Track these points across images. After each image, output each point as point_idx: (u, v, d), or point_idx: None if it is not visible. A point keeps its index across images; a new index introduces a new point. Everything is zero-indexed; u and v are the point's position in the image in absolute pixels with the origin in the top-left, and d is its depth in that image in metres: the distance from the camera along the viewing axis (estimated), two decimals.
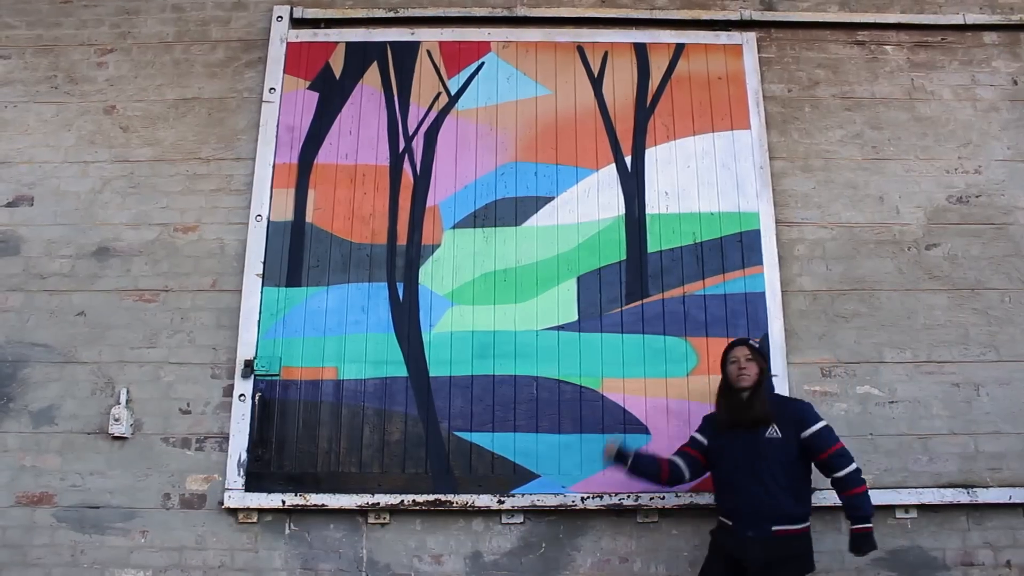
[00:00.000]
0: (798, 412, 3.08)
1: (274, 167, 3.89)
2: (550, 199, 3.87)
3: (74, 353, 3.70)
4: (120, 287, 3.78)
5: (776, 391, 3.49)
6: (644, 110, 4.00)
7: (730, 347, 3.21)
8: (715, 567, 3.09)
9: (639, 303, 3.74)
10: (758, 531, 2.96)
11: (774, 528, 2.95)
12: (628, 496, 3.46)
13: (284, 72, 4.03)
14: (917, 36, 4.18)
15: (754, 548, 2.95)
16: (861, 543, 2.95)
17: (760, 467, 2.99)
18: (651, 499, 3.46)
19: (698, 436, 3.24)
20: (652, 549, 3.48)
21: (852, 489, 2.98)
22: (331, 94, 4.01)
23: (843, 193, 3.93)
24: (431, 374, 3.65)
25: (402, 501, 3.46)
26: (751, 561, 2.95)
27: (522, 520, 3.52)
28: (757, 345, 3.21)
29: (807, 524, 3.02)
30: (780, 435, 3.02)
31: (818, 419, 3.06)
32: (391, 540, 3.50)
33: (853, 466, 3.00)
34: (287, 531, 3.51)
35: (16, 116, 4.03)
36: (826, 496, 3.48)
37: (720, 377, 3.22)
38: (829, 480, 3.04)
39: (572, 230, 3.83)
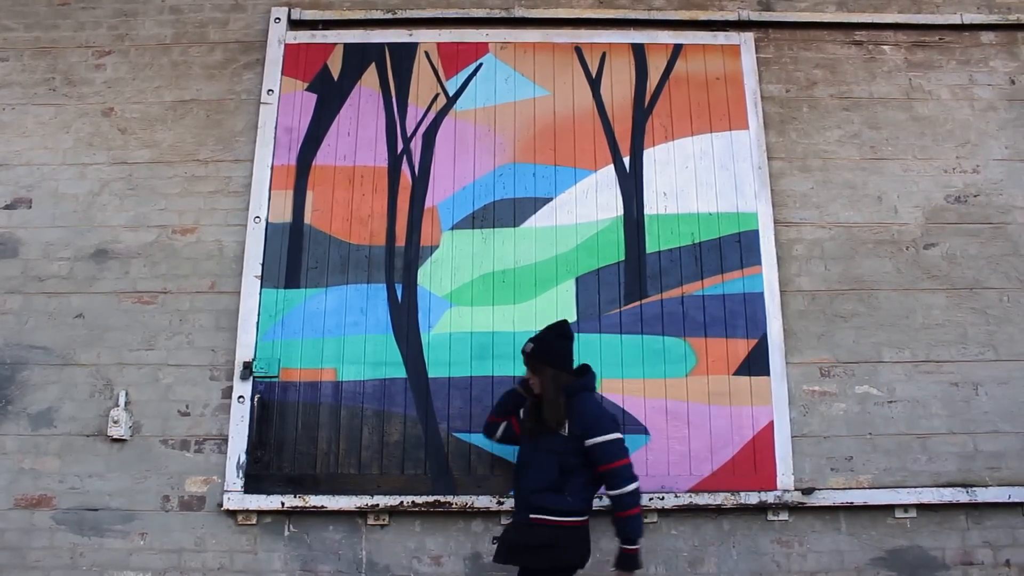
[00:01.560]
0: (591, 420, 2.97)
1: (272, 169, 3.89)
2: (548, 200, 3.87)
3: (73, 355, 3.69)
4: (119, 289, 3.78)
5: (589, 394, 3.13)
6: (642, 111, 4.00)
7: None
8: None
9: (637, 304, 3.74)
10: (517, 517, 2.99)
11: (531, 516, 2.93)
12: None
13: (282, 74, 4.03)
14: (915, 36, 4.19)
15: (505, 533, 2.97)
16: (624, 562, 2.89)
17: (537, 458, 2.99)
18: (650, 499, 3.46)
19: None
20: (651, 549, 3.48)
21: (619, 512, 2.90)
22: (329, 95, 4.01)
23: (841, 193, 3.93)
24: (430, 375, 3.65)
25: (401, 502, 3.46)
26: (498, 550, 2.95)
27: None
28: (530, 349, 3.07)
29: (572, 519, 2.92)
30: (565, 432, 2.97)
31: (607, 432, 2.94)
32: (390, 541, 3.50)
33: (627, 488, 2.89)
34: (286, 533, 3.51)
35: (14, 118, 4.03)
36: (825, 496, 3.50)
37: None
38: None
39: (570, 231, 3.83)
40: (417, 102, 4.00)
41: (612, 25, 4.15)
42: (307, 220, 3.84)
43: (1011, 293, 3.82)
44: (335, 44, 4.09)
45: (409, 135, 3.96)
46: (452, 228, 3.84)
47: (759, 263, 3.79)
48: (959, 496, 3.52)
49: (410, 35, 4.11)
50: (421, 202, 3.87)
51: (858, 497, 3.51)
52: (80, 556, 3.48)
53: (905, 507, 3.54)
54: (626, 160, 3.93)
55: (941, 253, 3.86)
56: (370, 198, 3.87)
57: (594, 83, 4.05)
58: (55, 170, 3.94)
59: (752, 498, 3.48)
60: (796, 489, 3.51)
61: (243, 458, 3.53)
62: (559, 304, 3.73)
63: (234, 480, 3.51)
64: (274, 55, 4.05)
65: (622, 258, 3.80)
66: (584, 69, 4.07)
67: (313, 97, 4.01)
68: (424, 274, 3.78)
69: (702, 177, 3.91)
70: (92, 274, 3.80)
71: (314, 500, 3.46)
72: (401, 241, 3.82)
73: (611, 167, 3.92)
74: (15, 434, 3.61)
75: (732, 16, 4.14)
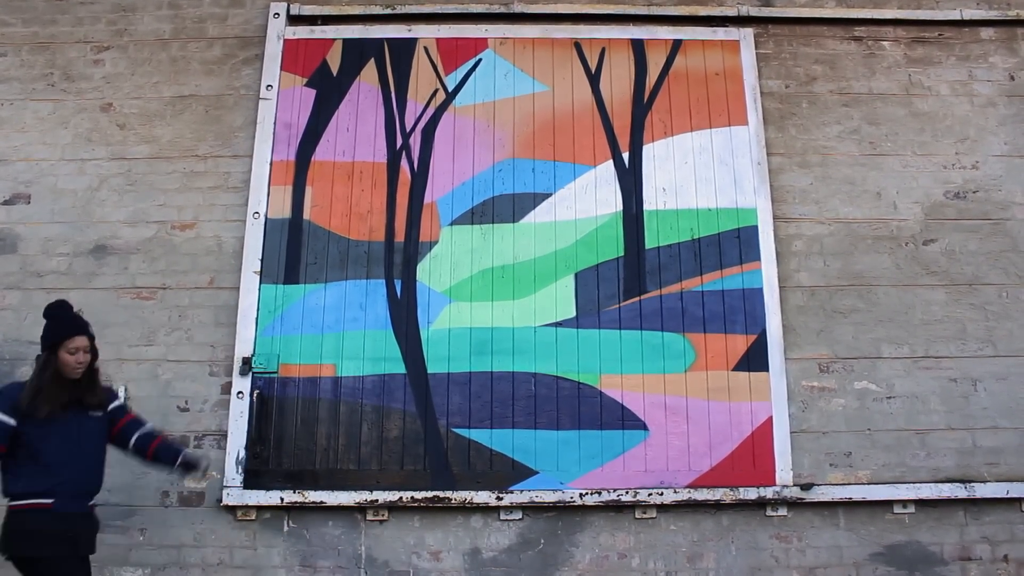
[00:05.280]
0: (109, 392, 3.15)
1: (271, 164, 3.88)
2: (548, 196, 3.87)
3: None
4: (118, 285, 3.78)
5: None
6: (642, 106, 4.00)
7: (71, 334, 2.99)
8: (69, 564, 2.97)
9: (637, 299, 3.74)
10: (81, 507, 2.96)
11: (91, 504, 2.98)
12: (626, 492, 3.47)
13: (281, 69, 4.02)
14: (914, 32, 4.18)
15: (83, 523, 2.96)
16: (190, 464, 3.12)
17: (88, 445, 2.98)
18: (649, 495, 3.46)
19: (6, 420, 2.91)
20: (650, 545, 3.49)
21: (160, 436, 3.13)
22: (328, 91, 4.00)
23: (841, 189, 3.93)
24: (429, 371, 3.65)
25: (400, 498, 3.46)
26: (83, 536, 2.95)
27: (520, 516, 3.52)
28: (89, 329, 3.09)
29: None
30: (101, 414, 3.05)
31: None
32: (390, 537, 3.50)
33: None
34: (285, 528, 3.51)
35: (12, 114, 4.02)
36: (824, 491, 3.50)
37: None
38: (132, 445, 3.07)
39: (570, 226, 3.83)
40: (416, 97, 4.00)
41: (611, 21, 4.14)
42: (306, 216, 3.83)
43: (1010, 289, 3.82)
44: (334, 39, 4.08)
45: (408, 131, 3.95)
46: (451, 224, 3.84)
47: (758, 259, 3.79)
48: (957, 492, 3.52)
49: (409, 30, 4.11)
50: (420, 198, 3.87)
51: (857, 492, 3.51)
52: None
53: (904, 502, 3.54)
54: (625, 156, 3.93)
55: (940, 249, 3.87)
56: (369, 194, 3.87)
57: (593, 79, 4.04)
58: (54, 166, 3.94)
59: (751, 493, 3.49)
60: (795, 484, 3.52)
61: (242, 454, 3.53)
62: (558, 300, 3.73)
63: (233, 476, 3.51)
64: (273, 50, 4.04)
65: (621, 254, 3.79)
66: (583, 65, 4.06)
67: (312, 92, 4.00)
68: (423, 270, 3.78)
69: (701, 173, 3.91)
70: (91, 270, 3.80)
71: (313, 496, 3.47)
72: (400, 237, 3.82)
73: (610, 163, 3.91)
74: None
75: (731, 12, 4.13)
